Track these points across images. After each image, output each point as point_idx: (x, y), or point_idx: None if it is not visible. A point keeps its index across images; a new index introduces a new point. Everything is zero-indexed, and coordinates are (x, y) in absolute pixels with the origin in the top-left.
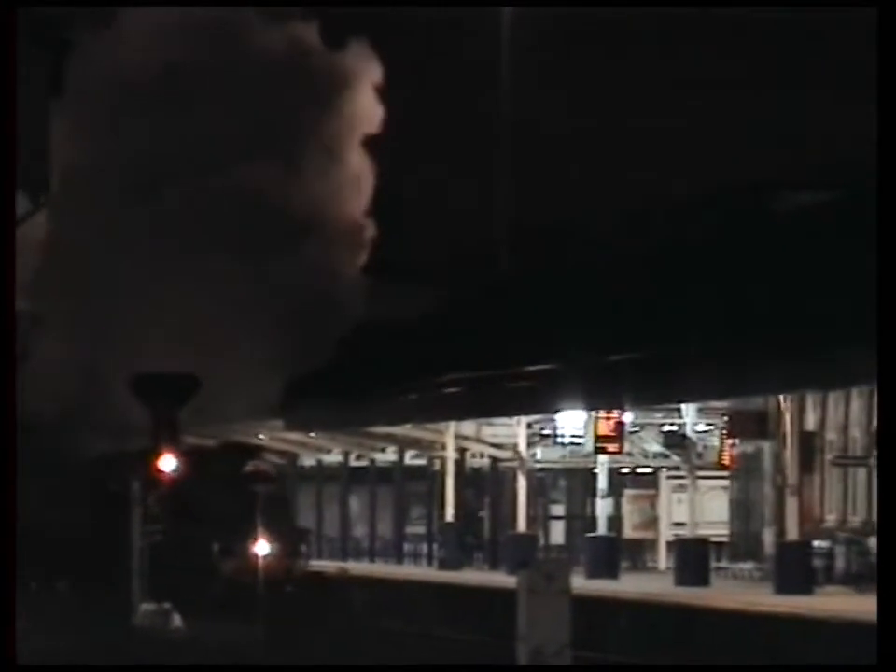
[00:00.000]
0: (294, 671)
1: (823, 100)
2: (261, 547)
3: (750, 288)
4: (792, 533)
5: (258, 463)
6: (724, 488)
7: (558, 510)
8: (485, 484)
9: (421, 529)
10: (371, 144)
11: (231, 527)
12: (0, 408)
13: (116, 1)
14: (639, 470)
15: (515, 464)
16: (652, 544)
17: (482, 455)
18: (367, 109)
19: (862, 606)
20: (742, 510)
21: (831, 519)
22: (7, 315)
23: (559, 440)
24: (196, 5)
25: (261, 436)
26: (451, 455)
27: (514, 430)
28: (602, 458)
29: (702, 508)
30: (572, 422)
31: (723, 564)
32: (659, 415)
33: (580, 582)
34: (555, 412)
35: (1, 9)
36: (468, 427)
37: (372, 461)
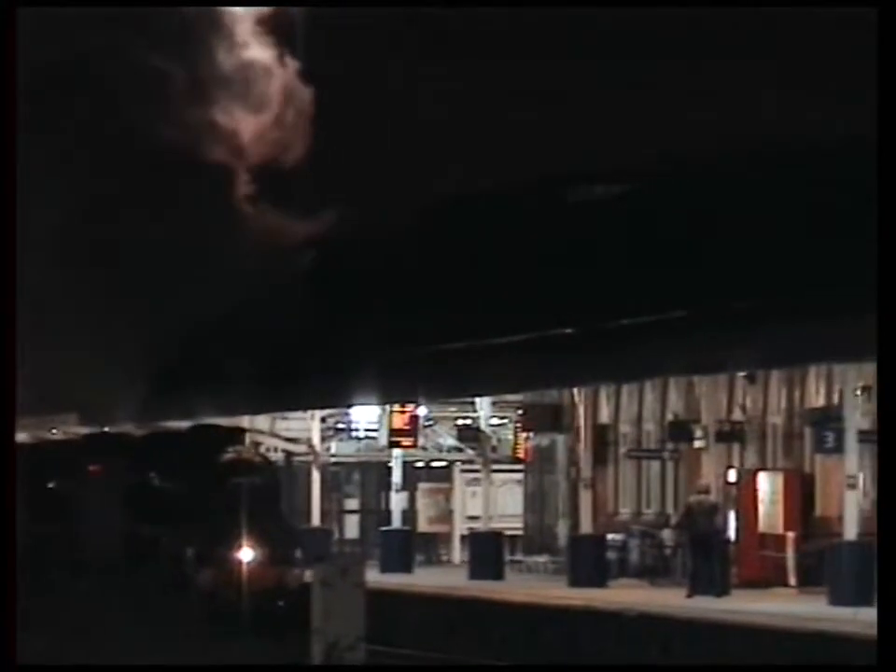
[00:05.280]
0: (294, 671)
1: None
2: (245, 553)
3: (544, 282)
4: (586, 526)
5: (240, 450)
6: (519, 481)
7: (352, 504)
8: None
9: None
10: None
11: (207, 529)
12: (0, 409)
13: (116, 1)
14: (434, 464)
15: (309, 458)
16: (447, 538)
17: (275, 450)
18: None
19: (655, 598)
20: (536, 503)
21: (625, 512)
22: (7, 315)
23: (353, 433)
24: (196, 5)
25: (54, 430)
26: None
27: (308, 424)
28: (396, 452)
29: (496, 501)
30: (366, 416)
31: (518, 557)
32: (453, 409)
33: (374, 576)
34: (350, 405)
35: (1, 9)
36: (262, 421)
37: None
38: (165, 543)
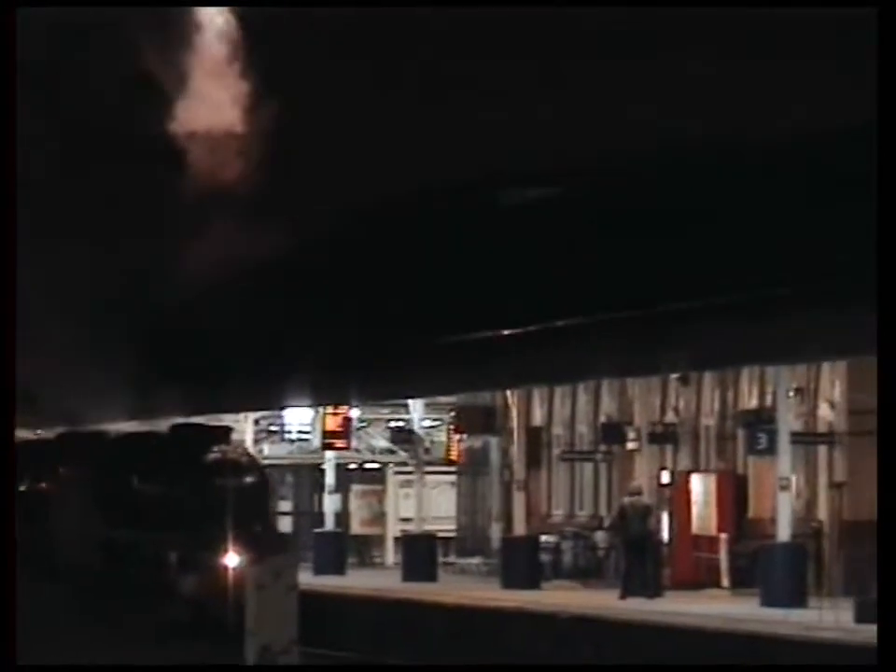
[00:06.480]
0: (294, 671)
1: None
2: (231, 558)
3: (476, 284)
4: (520, 528)
5: (226, 449)
6: (452, 483)
7: (285, 506)
8: None
9: None
10: None
11: (191, 533)
12: (0, 407)
13: (117, 1)
14: (367, 466)
15: None
16: (380, 540)
17: None
18: None
19: (588, 600)
20: (470, 505)
21: (558, 514)
22: (7, 313)
23: (286, 435)
24: (199, 5)
25: None
26: None
27: (242, 426)
28: (329, 454)
29: (429, 503)
30: (299, 418)
31: (451, 559)
32: (386, 411)
33: (307, 579)
34: (282, 407)
35: (1, 9)
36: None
37: None
38: (145, 548)
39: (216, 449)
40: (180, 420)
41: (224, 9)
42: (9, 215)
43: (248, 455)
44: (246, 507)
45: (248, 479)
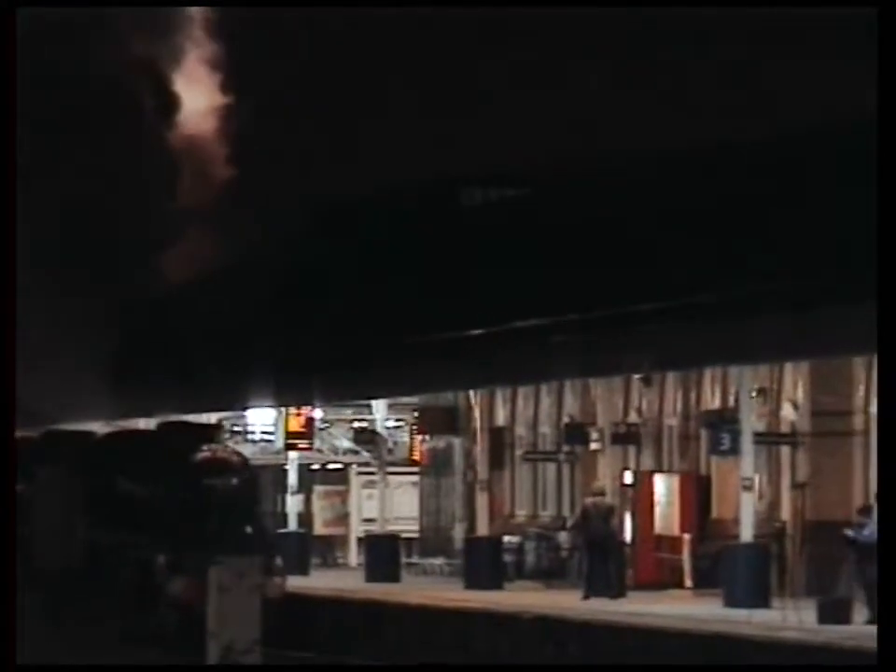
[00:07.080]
0: (294, 671)
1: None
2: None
3: (438, 284)
4: (483, 528)
5: (216, 448)
6: (415, 484)
7: None
8: None
9: None
10: None
11: (178, 534)
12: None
13: (115, 1)
14: (330, 467)
15: None
16: (343, 540)
17: None
18: None
19: (551, 600)
20: (433, 505)
21: (521, 514)
22: (6, 314)
23: (249, 436)
24: (195, 5)
25: None
26: None
27: None
28: (292, 455)
29: (392, 504)
30: (262, 418)
31: (414, 559)
32: (349, 411)
33: None
34: (245, 408)
35: (1, 9)
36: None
37: None
38: (132, 550)
39: (205, 448)
40: (168, 419)
41: (201, 9)
42: (9, 214)
43: (238, 453)
44: (237, 507)
45: (238, 478)
